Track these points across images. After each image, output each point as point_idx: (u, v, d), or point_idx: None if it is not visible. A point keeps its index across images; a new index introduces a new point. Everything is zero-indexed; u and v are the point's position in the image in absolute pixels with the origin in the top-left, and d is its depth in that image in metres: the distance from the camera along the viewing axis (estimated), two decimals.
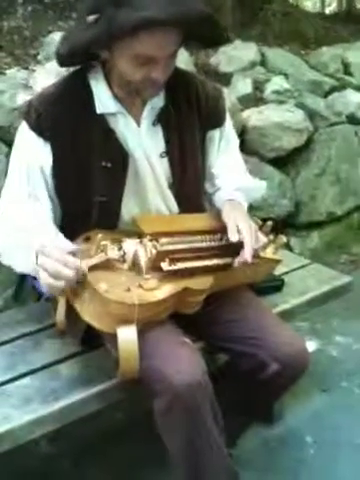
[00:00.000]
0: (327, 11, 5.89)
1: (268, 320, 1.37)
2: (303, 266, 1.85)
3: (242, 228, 1.25)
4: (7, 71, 2.66)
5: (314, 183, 2.95)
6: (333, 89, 3.29)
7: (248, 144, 2.73)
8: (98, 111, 1.29)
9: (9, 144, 1.93)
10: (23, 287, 1.70)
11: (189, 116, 1.37)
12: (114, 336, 1.16)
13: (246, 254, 1.22)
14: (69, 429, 1.27)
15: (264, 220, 1.46)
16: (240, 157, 1.56)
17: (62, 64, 1.28)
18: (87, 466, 1.60)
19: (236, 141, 1.55)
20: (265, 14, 4.06)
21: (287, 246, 2.73)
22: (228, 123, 1.48)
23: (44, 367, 1.31)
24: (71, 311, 1.24)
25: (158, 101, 1.33)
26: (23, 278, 1.58)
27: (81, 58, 1.27)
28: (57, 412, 1.18)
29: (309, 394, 1.90)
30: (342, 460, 1.64)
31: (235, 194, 1.41)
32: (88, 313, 1.18)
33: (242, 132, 2.71)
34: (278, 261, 1.46)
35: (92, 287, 1.15)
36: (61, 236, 1.26)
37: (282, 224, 2.81)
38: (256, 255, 1.29)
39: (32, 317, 1.53)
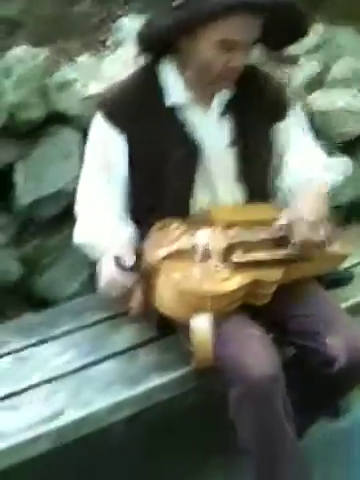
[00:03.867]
0: None
1: (336, 315, 1.37)
2: None
3: (295, 212, 1.26)
4: (78, 59, 2.68)
5: None
6: None
7: (315, 128, 2.67)
8: (168, 103, 1.33)
9: (82, 133, 1.98)
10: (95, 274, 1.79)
11: (255, 108, 1.39)
12: (186, 326, 1.20)
13: (281, 220, 1.24)
14: (145, 414, 1.32)
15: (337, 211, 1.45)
16: (317, 148, 1.53)
17: (144, 49, 1.31)
18: (160, 451, 1.66)
19: (310, 133, 1.53)
20: None
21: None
22: (298, 115, 1.49)
23: (123, 351, 1.37)
24: (145, 298, 1.30)
25: (226, 93, 1.36)
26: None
27: (159, 47, 1.30)
28: (136, 396, 1.24)
29: None
30: None
31: (317, 173, 1.40)
32: (162, 302, 1.24)
33: (309, 116, 2.65)
34: (346, 256, 1.45)
35: (166, 277, 1.20)
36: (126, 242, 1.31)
37: (351, 211, 2.74)
38: (321, 246, 1.28)
39: (108, 304, 1.58)
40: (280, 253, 1.29)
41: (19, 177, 1.92)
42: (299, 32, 1.32)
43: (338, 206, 2.01)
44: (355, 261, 1.72)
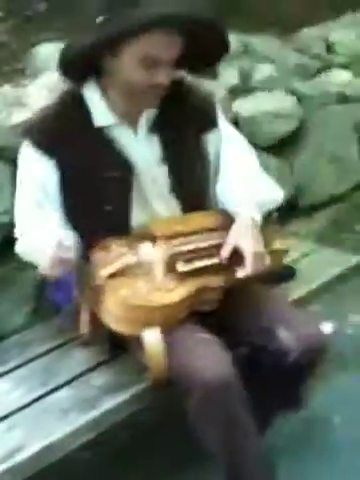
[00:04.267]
0: None
1: (283, 309, 1.41)
2: (313, 251, 1.88)
3: (244, 248, 1.27)
4: None
5: (312, 166, 2.98)
6: (319, 70, 3.31)
7: (242, 134, 2.75)
8: (96, 124, 1.33)
9: (10, 163, 1.95)
10: (42, 301, 1.75)
11: (183, 122, 1.41)
12: (138, 340, 1.21)
13: (244, 272, 1.27)
14: (105, 436, 1.31)
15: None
16: (254, 160, 1.52)
17: (65, 73, 1.31)
18: (124, 470, 1.63)
19: (243, 142, 1.53)
20: (242, 2, 4.07)
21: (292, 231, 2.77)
22: (225, 124, 1.50)
23: (76, 377, 1.35)
24: (94, 320, 1.29)
25: (152, 110, 1.37)
26: (41, 292, 1.62)
27: (83, 68, 1.30)
28: (94, 420, 1.22)
29: (330, 375, 1.94)
30: None
31: (246, 208, 1.37)
32: (112, 320, 1.23)
33: (234, 123, 2.73)
34: (286, 251, 1.50)
35: (113, 294, 1.20)
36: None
37: (284, 210, 2.83)
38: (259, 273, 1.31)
39: (56, 332, 1.55)
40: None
41: None
42: (221, 48, 1.34)
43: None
44: (294, 256, 1.78)
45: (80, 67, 1.31)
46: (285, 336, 1.30)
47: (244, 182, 1.44)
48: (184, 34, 1.24)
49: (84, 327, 1.33)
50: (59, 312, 1.63)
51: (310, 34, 3.64)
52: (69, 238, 1.26)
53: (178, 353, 1.20)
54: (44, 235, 1.23)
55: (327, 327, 2.22)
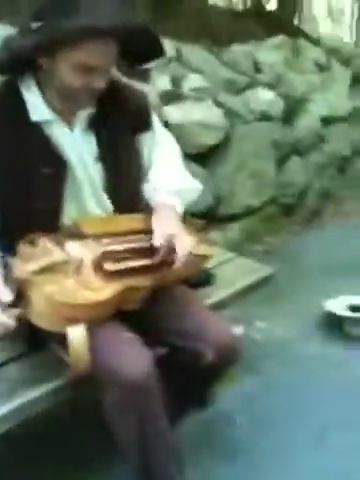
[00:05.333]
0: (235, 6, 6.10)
1: (203, 313, 1.46)
2: (230, 259, 1.97)
3: (169, 235, 1.34)
4: None
5: (232, 178, 3.11)
6: (246, 86, 3.46)
7: None
8: (32, 119, 1.31)
9: None
10: None
11: (119, 120, 1.43)
12: (61, 336, 1.20)
13: (179, 260, 1.32)
14: (17, 430, 1.29)
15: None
16: (178, 158, 1.60)
17: (1, 71, 1.28)
18: (39, 463, 1.63)
19: (171, 142, 1.60)
20: (178, 10, 4.15)
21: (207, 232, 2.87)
22: (158, 127, 1.55)
23: None
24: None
25: (89, 108, 1.37)
26: None
27: (19, 65, 1.28)
28: (8, 413, 1.20)
29: (237, 377, 2.05)
30: (271, 436, 1.79)
31: (168, 198, 1.47)
32: (36, 315, 1.21)
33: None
34: (210, 256, 1.57)
35: (39, 290, 1.19)
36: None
37: (204, 218, 2.93)
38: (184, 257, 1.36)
39: None
40: (149, 260, 1.34)
41: None
42: (155, 53, 1.37)
43: (193, 214, 2.15)
44: (213, 263, 1.86)
45: (16, 66, 1.29)
46: (205, 340, 1.36)
47: (164, 175, 1.51)
48: (118, 40, 1.25)
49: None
50: None
51: (239, 51, 3.80)
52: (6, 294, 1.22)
53: (101, 350, 1.22)
54: None
55: (238, 330, 2.35)
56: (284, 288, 2.60)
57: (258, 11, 5.39)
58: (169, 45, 3.43)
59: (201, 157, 2.97)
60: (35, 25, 1.18)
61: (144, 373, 1.21)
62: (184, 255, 1.34)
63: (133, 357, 1.24)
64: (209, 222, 3.04)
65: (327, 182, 4.08)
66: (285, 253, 3.19)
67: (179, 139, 2.75)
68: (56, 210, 1.36)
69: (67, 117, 1.35)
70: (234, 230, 3.18)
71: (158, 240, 1.33)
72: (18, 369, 1.33)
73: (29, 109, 1.31)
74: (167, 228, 1.36)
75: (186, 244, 1.37)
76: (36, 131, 1.32)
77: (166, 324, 1.42)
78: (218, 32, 4.16)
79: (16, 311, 1.19)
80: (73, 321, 1.19)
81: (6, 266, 1.26)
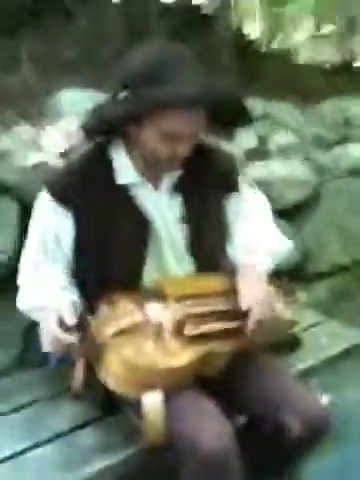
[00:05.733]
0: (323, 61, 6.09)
1: (287, 381, 1.37)
2: (318, 323, 1.85)
3: (251, 296, 1.29)
4: (15, 128, 2.67)
5: (320, 235, 2.98)
6: (335, 142, 3.37)
7: None
8: (119, 182, 1.34)
9: (22, 204, 1.95)
10: (31, 345, 1.69)
11: (205, 184, 1.42)
12: (136, 402, 1.16)
13: (250, 325, 1.26)
14: None
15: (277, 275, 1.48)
16: (267, 215, 1.56)
17: (88, 135, 1.33)
18: None
19: (260, 199, 1.57)
20: (264, 70, 4.21)
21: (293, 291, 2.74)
22: (246, 189, 1.52)
23: (62, 434, 1.28)
24: (89, 375, 1.23)
25: (175, 172, 1.38)
26: (30, 335, 1.58)
27: (107, 133, 1.33)
28: None
29: (325, 450, 1.87)
30: None
31: (254, 258, 1.41)
32: (112, 378, 1.18)
33: None
34: (295, 322, 1.48)
35: (116, 352, 1.16)
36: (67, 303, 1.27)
37: (290, 276, 2.82)
38: (269, 321, 1.31)
39: (45, 380, 1.51)
40: (231, 324, 1.28)
41: None
42: (243, 120, 1.36)
43: (280, 271, 2.06)
44: (299, 327, 1.74)
45: (105, 132, 1.33)
46: (289, 411, 1.27)
47: (252, 233, 1.47)
48: (205, 108, 1.25)
49: (77, 381, 1.26)
50: (47, 360, 1.58)
51: (329, 106, 3.75)
52: (69, 299, 1.26)
53: (179, 420, 1.16)
54: (46, 295, 1.27)
55: (325, 400, 2.17)
56: None
57: (347, 68, 5.34)
58: (256, 103, 3.46)
59: (287, 214, 2.89)
60: (123, 94, 1.21)
61: (223, 447, 1.15)
62: (269, 320, 1.26)
63: (212, 429, 1.17)
64: (296, 280, 2.92)
65: None
66: None
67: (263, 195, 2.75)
68: (137, 270, 1.35)
69: (154, 180, 1.37)
70: (322, 290, 3.02)
71: (245, 304, 1.28)
72: (91, 435, 1.29)
73: (116, 173, 1.34)
74: (253, 291, 1.30)
75: (272, 309, 1.30)
76: (122, 192, 1.34)
77: (247, 392, 1.34)
78: (306, 89, 4.15)
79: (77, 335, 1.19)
80: (150, 387, 1.15)
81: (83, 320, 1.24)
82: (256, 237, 1.47)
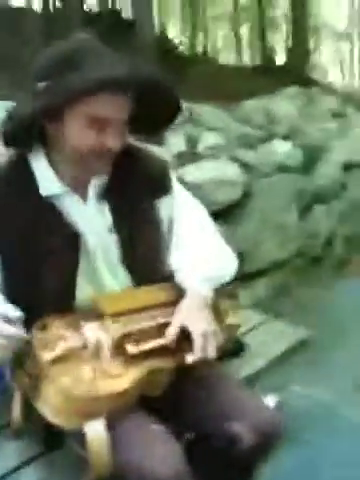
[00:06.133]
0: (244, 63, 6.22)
1: (235, 391, 1.32)
2: (261, 323, 1.83)
3: (192, 331, 1.19)
4: None
5: (255, 233, 3.01)
6: (261, 140, 3.43)
7: None
8: (43, 193, 1.24)
9: None
10: None
11: (134, 189, 1.34)
12: (79, 433, 1.08)
13: (193, 357, 1.17)
14: None
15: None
16: (205, 220, 1.47)
17: (8, 143, 1.23)
18: None
19: (195, 203, 1.47)
20: (186, 73, 4.22)
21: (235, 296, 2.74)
22: (179, 191, 1.44)
23: (6, 474, 1.18)
24: (29, 407, 1.14)
25: (101, 177, 1.30)
26: None
27: (25, 136, 1.22)
28: None
29: (277, 453, 1.85)
30: None
31: (197, 284, 1.31)
32: (51, 411, 1.09)
33: None
34: (239, 326, 1.44)
35: (54, 384, 1.07)
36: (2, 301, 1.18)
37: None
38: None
39: None
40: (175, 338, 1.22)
41: None
42: (172, 110, 1.28)
43: None
44: (242, 329, 1.70)
45: (22, 137, 1.23)
46: (237, 425, 1.21)
47: (197, 253, 1.37)
48: (132, 96, 1.19)
49: (15, 417, 1.17)
50: None
51: (252, 105, 3.81)
52: (13, 310, 1.15)
53: (125, 447, 1.09)
54: None
55: (272, 401, 2.16)
56: (323, 347, 2.42)
57: (268, 66, 5.47)
58: (182, 106, 3.45)
59: (219, 215, 2.89)
60: (41, 85, 1.14)
61: (175, 472, 1.07)
62: (200, 357, 1.18)
63: (161, 453, 1.10)
64: (234, 280, 2.92)
65: (352, 228, 3.96)
66: (318, 308, 3.03)
67: (197, 199, 2.73)
68: (69, 287, 1.26)
69: (80, 187, 1.28)
70: (261, 286, 3.05)
71: (169, 335, 1.19)
72: (35, 472, 1.19)
73: (39, 183, 1.24)
74: (193, 324, 1.21)
75: (213, 341, 1.21)
76: (46, 205, 1.24)
77: (194, 409, 1.28)
78: (229, 90, 4.20)
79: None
80: (92, 415, 1.07)
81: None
82: (198, 258, 1.36)
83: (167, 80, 1.24)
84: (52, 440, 1.23)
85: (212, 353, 1.20)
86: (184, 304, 1.26)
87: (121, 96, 1.17)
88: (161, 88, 1.23)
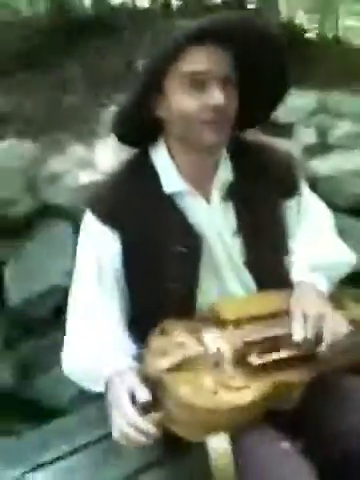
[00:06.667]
0: None
1: None
2: None
3: (309, 319, 1.09)
4: (67, 149, 2.67)
5: None
6: None
7: (320, 195, 2.57)
8: (166, 191, 1.20)
9: (75, 225, 1.90)
10: None
11: (260, 188, 1.26)
12: (203, 444, 1.02)
13: (321, 351, 1.07)
14: None
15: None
16: (329, 225, 1.39)
17: (119, 137, 1.22)
18: None
19: (322, 210, 1.40)
20: (319, 59, 3.97)
21: None
22: (306, 192, 1.36)
23: (128, 477, 1.17)
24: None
25: (226, 175, 1.24)
26: None
27: (138, 128, 1.20)
28: None
29: None
30: None
31: (309, 275, 1.24)
32: (171, 421, 1.04)
33: (312, 184, 2.56)
34: None
35: (173, 392, 1.02)
36: (130, 361, 1.13)
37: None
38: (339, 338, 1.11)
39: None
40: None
41: (10, 275, 1.81)
42: (278, 63, 1.16)
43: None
44: None
45: (135, 127, 1.21)
46: None
47: (309, 246, 1.30)
48: (230, 46, 1.10)
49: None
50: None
51: None
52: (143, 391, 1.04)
53: (250, 468, 1.01)
54: (100, 359, 1.12)
55: None
56: None
57: None
58: (312, 96, 3.25)
59: (358, 210, 2.66)
60: (139, 63, 1.14)
61: None
62: (335, 340, 1.08)
63: (291, 473, 1.00)
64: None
65: None
66: None
67: (331, 192, 2.54)
68: (191, 292, 1.21)
69: (203, 187, 1.22)
70: None
71: (296, 332, 1.09)
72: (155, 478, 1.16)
73: (162, 180, 1.21)
74: (308, 309, 1.12)
75: (336, 326, 1.11)
76: (170, 205, 1.21)
77: (331, 425, 1.14)
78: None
79: (156, 416, 1.01)
80: (213, 429, 1.00)
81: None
82: (315, 251, 1.29)
83: (269, 27, 1.14)
84: (173, 448, 1.17)
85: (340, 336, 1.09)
86: (296, 293, 1.19)
87: (217, 49, 1.09)
88: (263, 36, 1.11)
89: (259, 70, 1.17)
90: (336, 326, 1.12)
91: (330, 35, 5.35)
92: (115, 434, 1.02)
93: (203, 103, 1.10)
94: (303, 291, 1.20)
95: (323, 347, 1.07)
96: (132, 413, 1.00)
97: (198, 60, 1.08)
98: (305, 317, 1.10)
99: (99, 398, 1.48)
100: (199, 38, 1.07)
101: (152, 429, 0.99)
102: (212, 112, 1.10)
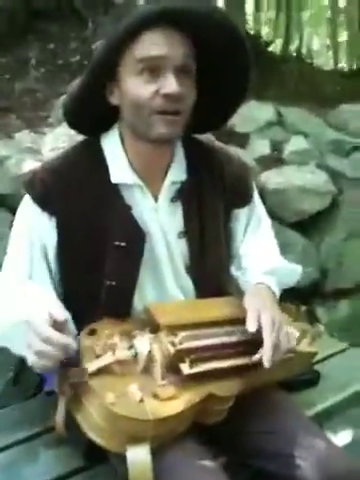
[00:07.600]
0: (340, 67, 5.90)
1: (305, 431, 1.13)
2: (341, 351, 1.62)
3: (263, 320, 1.06)
4: (16, 134, 2.57)
5: (340, 248, 2.77)
6: (355, 148, 3.17)
7: (267, 208, 2.58)
8: (113, 181, 1.14)
9: (12, 212, 1.80)
10: (24, 371, 1.50)
11: (212, 194, 1.23)
12: (122, 455, 0.96)
13: (264, 354, 1.02)
14: None
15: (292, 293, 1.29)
16: (272, 238, 1.38)
17: (72, 124, 1.17)
18: None
19: (267, 221, 1.38)
20: (280, 73, 4.03)
21: (314, 318, 2.52)
22: (257, 202, 1.34)
23: None
24: (70, 417, 1.03)
25: (179, 175, 1.19)
26: (23, 360, 1.37)
27: (89, 113, 1.14)
28: None
29: None
30: None
31: (263, 278, 1.22)
32: (91, 428, 0.98)
33: (261, 195, 2.56)
34: (314, 354, 1.27)
35: (96, 397, 0.95)
36: (54, 300, 1.07)
37: (307, 293, 2.60)
38: (287, 352, 1.10)
39: (30, 416, 1.30)
40: (237, 360, 1.07)
41: None
42: (242, 66, 1.12)
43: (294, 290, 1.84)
44: (318, 357, 1.48)
45: (88, 115, 1.15)
46: (310, 468, 1.04)
47: (259, 254, 1.28)
48: (185, 29, 1.04)
49: (58, 424, 1.06)
50: (40, 391, 1.39)
51: (347, 111, 3.54)
52: (60, 310, 1.01)
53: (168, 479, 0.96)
54: (27, 303, 1.00)
55: (345, 439, 1.93)
56: None
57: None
58: (270, 109, 3.28)
59: (303, 225, 2.68)
60: (96, 45, 1.09)
61: None
62: (286, 352, 1.07)
63: None
64: (312, 299, 2.70)
65: None
66: None
67: (279, 206, 2.55)
68: (129, 290, 1.16)
69: (153, 184, 1.17)
70: (343, 309, 2.79)
71: (251, 325, 1.05)
72: None
73: (110, 169, 1.15)
74: (262, 311, 1.08)
75: (289, 336, 1.11)
76: (115, 196, 1.15)
77: (255, 443, 1.12)
78: (323, 94, 3.95)
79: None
80: (136, 439, 0.94)
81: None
82: (265, 258, 1.28)
83: (230, 18, 1.07)
84: (94, 455, 1.11)
85: (282, 351, 1.06)
86: (249, 294, 1.16)
87: (174, 34, 1.04)
88: (223, 25, 1.06)
89: (220, 64, 1.12)
90: (289, 336, 1.11)
91: (294, 52, 5.45)
92: (30, 358, 0.93)
93: (156, 90, 1.04)
94: (259, 290, 1.18)
95: (276, 356, 1.03)
96: (47, 329, 0.92)
97: (153, 45, 1.03)
98: (261, 318, 1.06)
99: (22, 399, 1.42)
100: (155, 21, 1.02)
101: (72, 342, 0.93)
102: (165, 100, 1.04)
